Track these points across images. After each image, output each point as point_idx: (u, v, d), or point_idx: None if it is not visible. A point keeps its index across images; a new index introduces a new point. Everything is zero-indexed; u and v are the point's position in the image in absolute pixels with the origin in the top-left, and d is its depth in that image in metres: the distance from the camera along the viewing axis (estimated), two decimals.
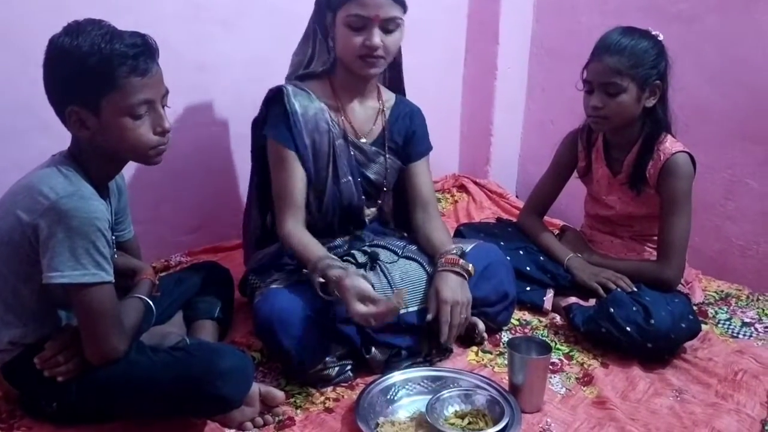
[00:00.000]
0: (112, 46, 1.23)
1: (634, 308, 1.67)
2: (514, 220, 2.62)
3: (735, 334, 1.81)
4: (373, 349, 1.57)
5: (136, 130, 1.29)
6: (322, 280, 1.48)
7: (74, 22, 1.27)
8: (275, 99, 1.67)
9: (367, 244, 1.76)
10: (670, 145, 1.82)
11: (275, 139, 1.66)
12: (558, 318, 1.87)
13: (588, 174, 2.00)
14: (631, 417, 1.44)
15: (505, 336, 1.77)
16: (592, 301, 1.82)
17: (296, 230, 1.62)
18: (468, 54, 2.88)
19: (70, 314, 1.40)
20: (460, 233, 2.09)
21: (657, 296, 1.72)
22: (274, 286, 1.59)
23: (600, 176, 1.96)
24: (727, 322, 1.86)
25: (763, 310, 1.93)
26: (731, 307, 1.95)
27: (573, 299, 1.82)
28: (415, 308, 1.62)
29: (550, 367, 1.58)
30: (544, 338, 1.70)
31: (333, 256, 1.55)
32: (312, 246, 1.58)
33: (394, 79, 1.89)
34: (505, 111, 2.87)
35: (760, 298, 1.99)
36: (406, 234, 1.90)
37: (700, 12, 2.21)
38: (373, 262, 1.66)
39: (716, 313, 1.91)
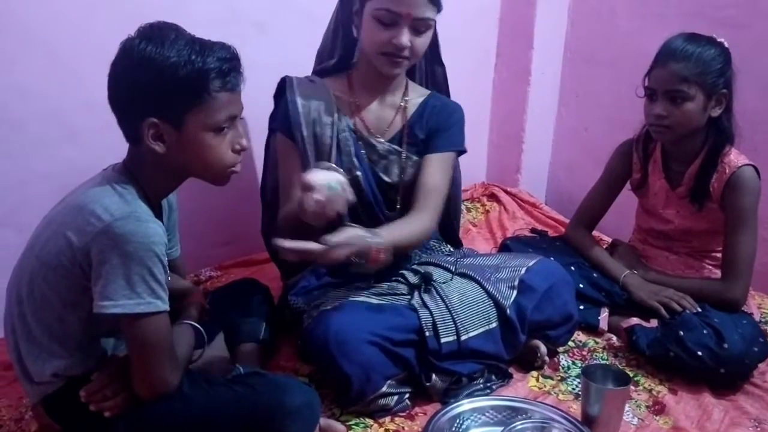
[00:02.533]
0: (205, 58, 1.15)
1: (704, 331, 1.58)
2: (548, 230, 2.57)
3: None
4: (434, 376, 1.47)
5: (217, 147, 1.21)
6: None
7: (149, 26, 1.17)
8: (281, 91, 1.62)
9: (416, 262, 1.66)
10: (735, 157, 1.73)
11: (277, 129, 1.62)
12: (615, 339, 1.78)
13: (643, 186, 1.91)
14: None
15: (564, 360, 1.68)
16: (654, 322, 1.72)
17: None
18: (499, 58, 2.78)
19: (117, 343, 1.30)
20: (506, 247, 2.00)
21: (726, 318, 1.63)
22: (324, 308, 1.49)
23: (657, 189, 1.87)
24: None
25: None
26: None
27: (635, 320, 1.72)
28: (477, 332, 1.51)
29: None
30: (621, 368, 1.60)
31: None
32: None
33: (439, 79, 1.81)
34: (538, 117, 2.78)
35: None
36: (451, 248, 1.81)
37: (750, 18, 2.12)
38: (426, 283, 1.56)
39: None
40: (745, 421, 1.45)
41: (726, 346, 1.53)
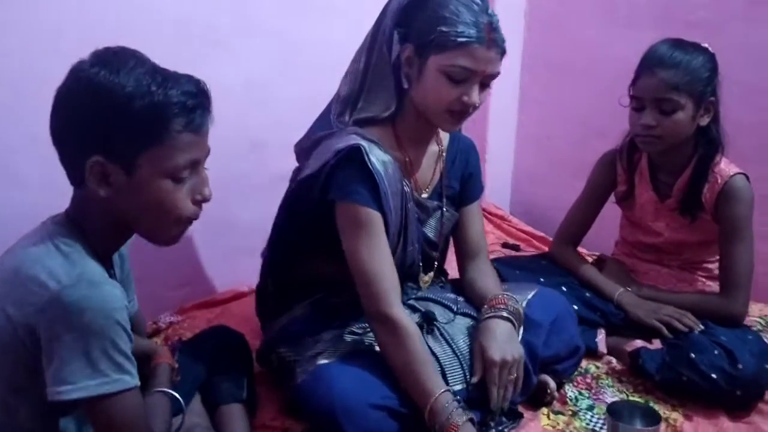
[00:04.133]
0: (167, 91, 0.97)
1: (716, 352, 1.51)
2: (520, 244, 2.48)
3: None
4: None
5: (174, 194, 1.03)
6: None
7: (106, 50, 0.99)
8: (348, 157, 1.32)
9: (413, 297, 1.52)
10: (725, 166, 1.68)
11: (360, 202, 1.31)
12: (615, 362, 1.69)
13: (629, 198, 1.84)
14: None
15: (570, 391, 1.57)
16: (656, 342, 1.65)
17: (411, 326, 1.30)
18: None
19: (81, 424, 1.10)
20: None
21: (732, 335, 1.57)
22: (322, 361, 1.33)
23: (645, 201, 1.79)
24: None
25: None
26: None
27: (639, 342, 1.64)
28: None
29: None
30: (647, 403, 1.49)
31: (452, 392, 1.27)
32: (429, 366, 1.28)
33: None
34: (499, 127, 2.70)
35: None
36: (443, 279, 1.68)
37: (723, 20, 2.09)
38: (429, 324, 1.42)
39: None
40: None
41: (740, 366, 1.47)
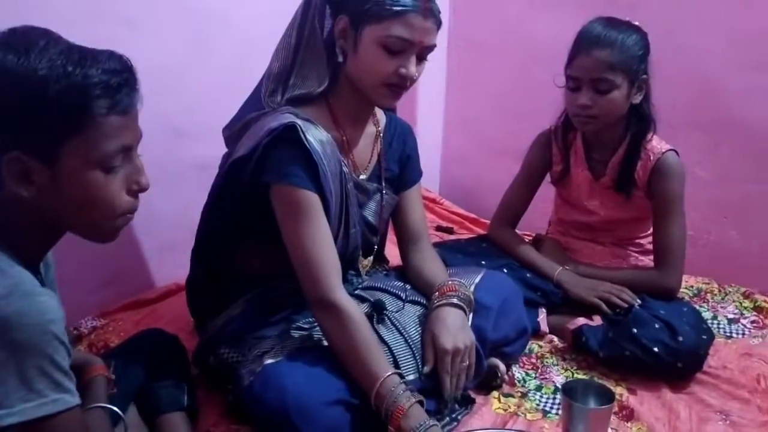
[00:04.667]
0: (86, 70, 0.86)
1: (656, 326, 1.54)
2: (453, 227, 2.48)
3: (728, 334, 1.75)
4: None
5: (107, 187, 0.93)
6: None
7: (11, 31, 0.87)
8: (282, 137, 1.25)
9: (360, 287, 1.46)
10: (657, 143, 1.71)
11: (298, 185, 1.25)
12: (557, 340, 1.70)
13: (564, 178, 1.85)
14: None
15: (517, 372, 1.57)
16: (597, 319, 1.67)
17: (354, 310, 1.25)
18: None
19: None
20: None
21: (669, 308, 1.61)
22: (269, 360, 1.25)
23: (581, 180, 1.81)
24: (714, 321, 1.80)
25: (741, 303, 1.90)
26: (710, 304, 1.89)
27: (581, 320, 1.65)
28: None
29: None
30: (593, 379, 1.49)
31: (400, 376, 1.23)
32: (374, 351, 1.23)
33: None
34: (427, 108, 2.67)
35: (729, 290, 1.97)
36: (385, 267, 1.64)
37: None
38: (379, 313, 1.37)
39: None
40: (711, 415, 1.42)
41: (681, 339, 1.50)
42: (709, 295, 1.94)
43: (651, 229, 1.83)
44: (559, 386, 1.50)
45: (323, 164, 1.26)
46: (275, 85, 1.33)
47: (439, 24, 1.28)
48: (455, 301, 1.36)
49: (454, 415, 1.38)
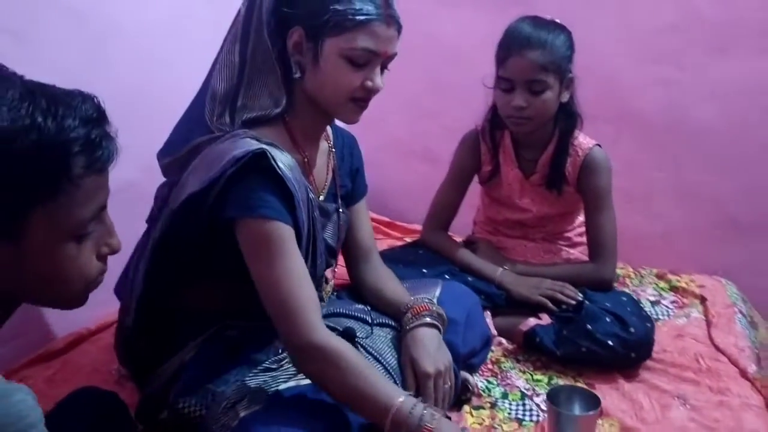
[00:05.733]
0: (60, 121, 0.70)
1: (607, 319, 1.57)
2: None
3: (656, 317, 1.83)
4: None
5: (79, 258, 0.78)
6: None
7: None
8: (250, 165, 1.11)
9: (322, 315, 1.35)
10: (584, 140, 1.75)
11: (270, 217, 1.11)
12: (505, 342, 1.69)
13: (495, 178, 1.84)
14: None
15: (479, 381, 1.53)
16: (545, 318, 1.68)
17: (340, 345, 1.12)
18: None
19: None
20: None
21: (613, 299, 1.66)
22: (244, 412, 1.11)
23: (511, 179, 1.81)
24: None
25: (657, 284, 2.00)
26: (630, 288, 1.98)
27: (533, 321, 1.65)
28: None
29: None
30: (585, 386, 1.47)
31: (412, 395, 1.12)
32: (376, 376, 1.12)
33: None
34: None
35: (644, 273, 2.07)
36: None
37: None
38: (351, 342, 1.27)
39: None
40: (670, 401, 1.47)
41: (632, 330, 1.54)
42: (627, 279, 2.02)
43: (578, 222, 1.89)
44: (524, 391, 1.51)
45: (297, 192, 1.15)
46: (222, 107, 1.18)
47: (400, 30, 1.20)
48: (429, 320, 1.30)
49: None
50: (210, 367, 1.22)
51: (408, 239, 2.20)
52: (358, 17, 1.12)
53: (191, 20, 1.90)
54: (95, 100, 0.78)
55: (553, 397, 1.27)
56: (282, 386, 1.18)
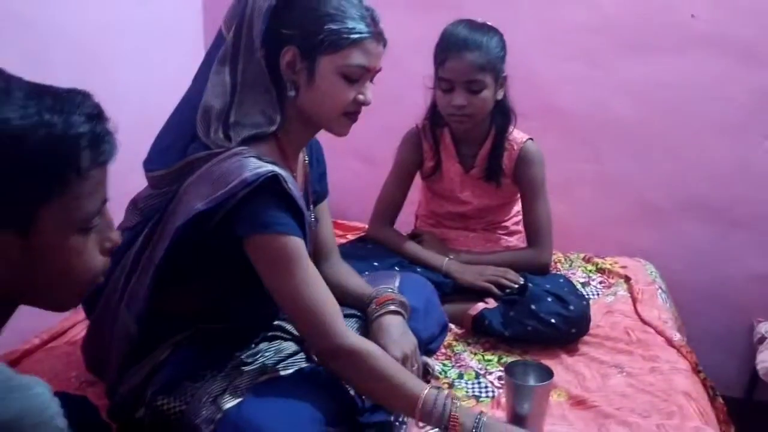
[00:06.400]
0: (66, 117, 0.72)
1: (549, 299, 1.70)
2: None
3: (587, 297, 1.98)
4: None
5: (84, 253, 0.80)
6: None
7: None
8: (263, 187, 1.15)
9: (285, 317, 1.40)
10: (518, 134, 1.88)
11: (285, 232, 1.17)
12: (454, 327, 1.79)
13: (436, 173, 1.94)
14: (615, 408, 1.46)
15: (434, 364, 1.62)
16: (491, 301, 1.78)
17: (367, 346, 1.20)
18: None
19: None
20: None
21: (552, 281, 1.79)
22: (228, 404, 1.15)
23: (453, 174, 1.92)
24: None
25: (585, 267, 2.17)
26: (561, 272, 2.12)
27: (480, 305, 1.76)
28: None
29: None
30: (538, 362, 1.51)
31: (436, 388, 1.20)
32: (400, 372, 1.20)
33: None
34: None
35: (572, 257, 2.23)
36: None
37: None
38: None
39: None
40: (608, 370, 1.61)
41: (572, 308, 1.68)
42: (558, 264, 2.17)
43: (514, 212, 2.02)
44: (477, 371, 1.61)
45: (305, 210, 1.22)
46: (217, 123, 1.21)
47: (386, 46, 1.28)
48: (393, 308, 1.37)
49: (402, 420, 1.39)
50: (186, 365, 1.25)
51: (350, 236, 2.27)
52: (352, 36, 1.19)
53: (129, 26, 1.90)
54: (92, 97, 0.80)
55: (509, 371, 1.37)
56: (261, 378, 1.23)
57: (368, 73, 1.25)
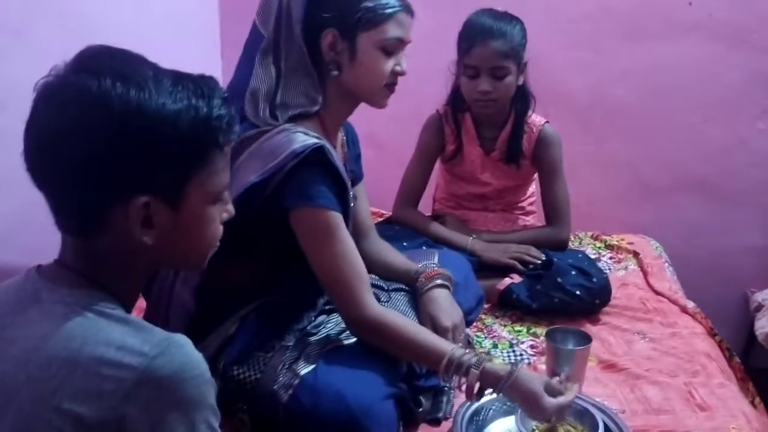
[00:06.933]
0: (208, 101, 0.80)
1: (573, 272, 1.80)
2: None
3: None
4: (422, 399, 1.37)
5: (216, 221, 0.89)
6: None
7: (104, 56, 0.80)
8: (309, 158, 1.23)
9: None
10: (536, 118, 1.97)
11: (327, 206, 1.25)
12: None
13: (457, 156, 2.03)
14: (644, 369, 1.58)
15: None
16: (516, 277, 1.88)
17: (392, 316, 1.29)
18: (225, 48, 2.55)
19: None
20: None
21: (573, 257, 1.90)
22: (304, 370, 1.23)
23: (474, 156, 2.01)
24: None
25: (594, 244, 2.28)
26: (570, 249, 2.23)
27: (507, 280, 1.85)
28: None
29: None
30: (578, 329, 1.62)
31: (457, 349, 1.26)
32: (425, 337, 1.28)
33: None
34: None
35: (581, 236, 2.34)
36: None
37: None
38: None
39: None
40: (633, 337, 1.73)
41: (595, 280, 1.79)
42: (569, 242, 2.28)
43: (529, 193, 2.12)
44: (510, 340, 1.71)
45: (348, 183, 1.29)
46: (265, 104, 1.28)
47: (413, 16, 1.35)
48: (440, 282, 1.46)
49: (449, 385, 1.48)
50: (256, 337, 1.31)
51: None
52: (387, 10, 1.27)
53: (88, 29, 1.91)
54: (218, 82, 0.87)
55: (550, 336, 1.47)
56: (327, 347, 1.31)
57: (403, 44, 1.33)
